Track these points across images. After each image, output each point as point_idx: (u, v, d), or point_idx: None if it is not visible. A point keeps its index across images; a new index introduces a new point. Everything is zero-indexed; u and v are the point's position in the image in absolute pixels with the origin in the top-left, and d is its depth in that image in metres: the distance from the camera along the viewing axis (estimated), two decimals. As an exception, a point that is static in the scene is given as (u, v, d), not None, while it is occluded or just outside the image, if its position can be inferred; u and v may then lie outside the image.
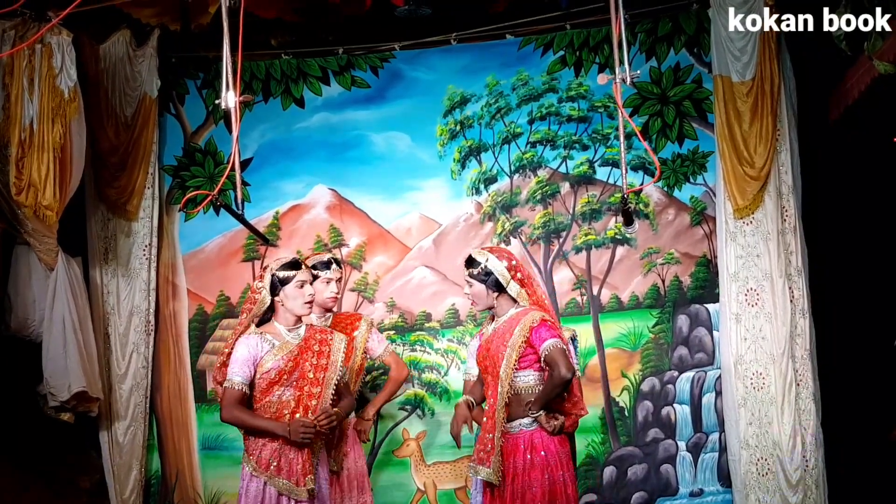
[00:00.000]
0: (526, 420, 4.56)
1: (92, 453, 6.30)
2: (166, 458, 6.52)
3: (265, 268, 4.75)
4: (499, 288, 4.63)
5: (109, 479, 6.26)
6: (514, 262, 4.70)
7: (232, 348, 4.63)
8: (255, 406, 4.61)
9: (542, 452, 4.51)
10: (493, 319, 4.77)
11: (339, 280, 5.33)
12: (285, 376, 4.60)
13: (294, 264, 4.70)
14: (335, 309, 5.50)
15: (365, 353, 5.42)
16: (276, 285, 4.64)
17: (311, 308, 4.75)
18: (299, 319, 4.72)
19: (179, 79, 6.74)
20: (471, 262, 4.69)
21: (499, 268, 4.63)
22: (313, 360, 4.68)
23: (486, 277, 4.63)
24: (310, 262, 5.29)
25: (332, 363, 4.71)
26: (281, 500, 4.57)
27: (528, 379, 4.57)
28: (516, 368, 4.54)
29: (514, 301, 4.66)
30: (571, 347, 4.90)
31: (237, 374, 4.54)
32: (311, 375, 4.65)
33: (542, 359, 4.48)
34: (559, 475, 4.51)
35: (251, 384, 4.59)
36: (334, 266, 5.30)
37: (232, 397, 4.54)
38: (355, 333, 5.40)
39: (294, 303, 4.65)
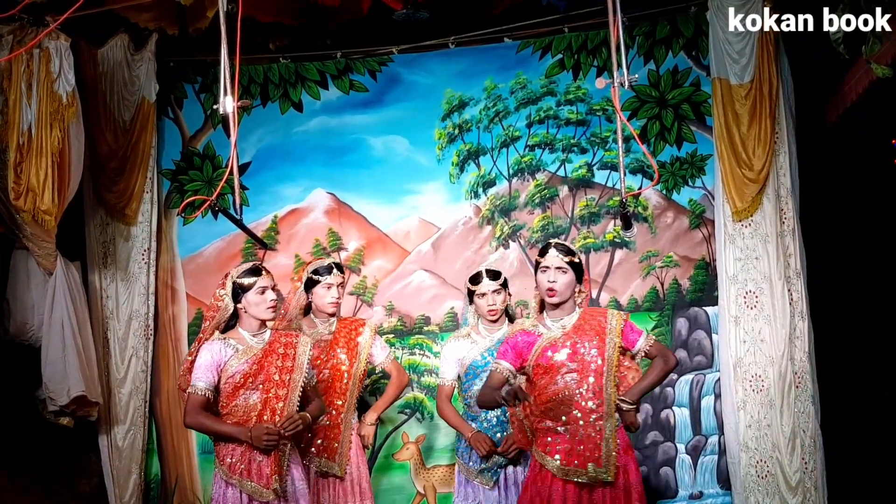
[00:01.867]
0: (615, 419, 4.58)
1: (91, 457, 6.30)
2: (166, 462, 6.51)
3: (226, 275, 4.78)
4: (580, 281, 4.68)
5: (109, 484, 6.25)
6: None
7: (195, 356, 4.68)
8: (223, 411, 4.65)
9: (631, 454, 4.60)
10: (541, 320, 4.67)
11: (340, 285, 5.34)
12: (250, 380, 4.64)
13: (254, 271, 4.74)
14: (338, 314, 5.49)
15: (368, 359, 5.42)
16: (238, 292, 4.69)
17: (274, 312, 4.76)
18: (263, 324, 4.77)
19: (177, 83, 6.74)
20: (569, 250, 4.66)
21: (581, 264, 4.72)
22: (278, 362, 4.71)
23: (579, 271, 4.66)
24: (311, 267, 5.33)
25: (298, 366, 4.74)
26: None
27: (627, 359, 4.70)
28: (621, 357, 4.62)
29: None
30: None
31: (200, 380, 4.60)
32: (276, 378, 4.68)
33: (644, 353, 4.61)
34: (635, 481, 4.55)
35: (216, 389, 4.64)
36: (335, 271, 5.32)
37: (195, 403, 4.59)
38: (359, 339, 5.40)
39: (257, 309, 4.70)
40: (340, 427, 5.26)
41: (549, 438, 4.54)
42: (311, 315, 5.43)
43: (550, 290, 4.57)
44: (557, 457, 4.49)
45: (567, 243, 4.78)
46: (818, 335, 5.97)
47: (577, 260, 4.65)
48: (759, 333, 5.94)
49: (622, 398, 4.55)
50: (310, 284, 5.33)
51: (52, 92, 5.59)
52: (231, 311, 4.72)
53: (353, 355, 5.34)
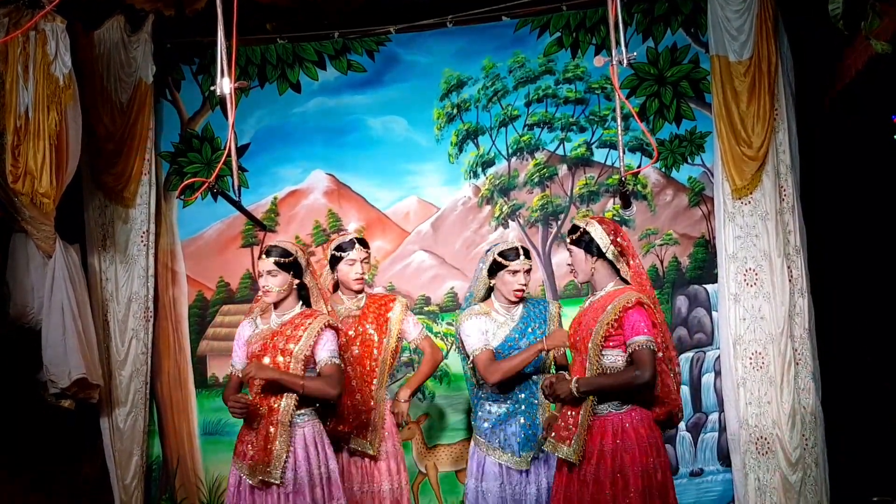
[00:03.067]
0: (615, 402, 4.38)
1: (93, 439, 6.31)
2: (167, 444, 6.53)
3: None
4: (599, 253, 4.50)
5: (111, 465, 6.27)
6: (613, 227, 4.57)
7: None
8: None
9: (635, 437, 4.34)
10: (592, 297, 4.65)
11: (364, 260, 5.21)
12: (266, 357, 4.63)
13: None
14: (366, 289, 5.37)
15: (399, 335, 5.26)
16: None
17: (266, 293, 4.67)
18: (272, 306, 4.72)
19: (175, 65, 6.71)
20: (572, 230, 4.62)
21: (598, 231, 4.49)
22: (280, 344, 4.63)
23: (586, 241, 4.51)
24: (334, 244, 5.23)
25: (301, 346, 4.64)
26: (249, 490, 4.57)
27: (617, 359, 4.39)
28: (603, 346, 4.36)
29: (615, 271, 4.51)
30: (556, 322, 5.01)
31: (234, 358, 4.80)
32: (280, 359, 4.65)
33: (629, 352, 4.32)
34: (651, 461, 4.34)
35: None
36: (358, 246, 5.19)
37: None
38: (389, 315, 5.25)
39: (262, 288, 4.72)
40: (372, 404, 5.10)
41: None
42: (339, 292, 5.28)
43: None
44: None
45: (574, 220, 4.74)
46: (818, 312, 5.97)
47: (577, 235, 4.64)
48: (759, 311, 5.95)
49: (576, 381, 4.41)
50: (334, 261, 5.20)
51: (49, 74, 5.56)
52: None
53: (382, 331, 5.19)
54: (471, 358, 4.92)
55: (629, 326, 4.33)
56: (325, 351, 4.60)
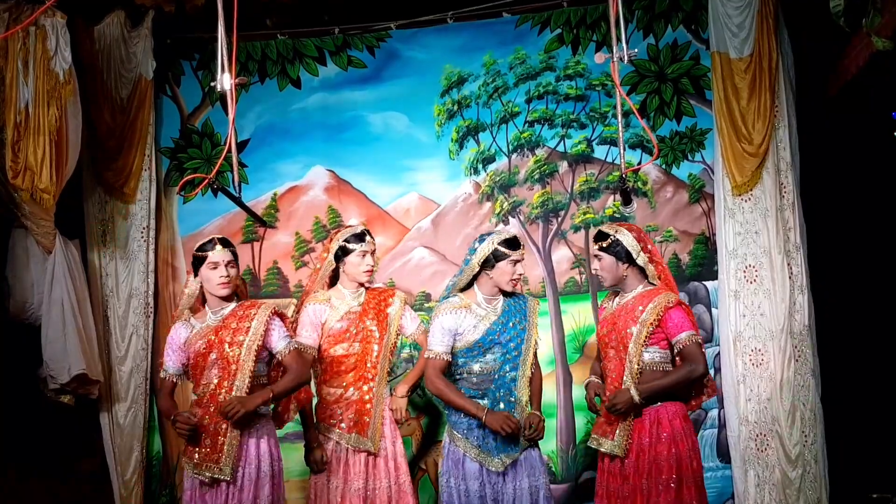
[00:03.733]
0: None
1: (93, 435, 6.31)
2: (167, 440, 6.52)
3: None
4: (629, 259, 4.71)
5: (110, 461, 6.27)
6: (641, 234, 4.80)
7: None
8: (194, 391, 4.73)
9: (669, 428, 4.57)
10: (615, 295, 4.89)
11: (373, 252, 5.19)
12: (200, 359, 4.67)
13: (208, 244, 4.75)
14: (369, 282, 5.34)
15: (398, 330, 5.26)
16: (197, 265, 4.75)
17: (227, 289, 4.71)
18: (223, 300, 4.74)
19: (175, 60, 6.71)
20: (600, 236, 4.78)
21: (628, 239, 4.72)
22: (228, 337, 4.66)
23: (617, 249, 4.71)
24: (341, 236, 5.17)
25: (253, 334, 4.65)
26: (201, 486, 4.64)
27: (655, 356, 4.65)
28: (645, 345, 4.60)
29: (643, 276, 4.75)
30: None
31: (168, 362, 4.83)
32: (228, 353, 4.65)
33: (677, 350, 4.59)
34: (685, 450, 4.56)
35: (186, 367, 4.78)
36: (368, 238, 5.17)
37: (164, 385, 4.90)
38: (389, 310, 5.24)
39: (208, 284, 4.71)
40: (372, 401, 5.07)
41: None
42: (339, 286, 5.24)
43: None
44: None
45: (602, 227, 4.90)
46: (818, 309, 5.97)
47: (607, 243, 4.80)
48: (759, 307, 5.95)
49: (635, 389, 4.63)
50: (343, 253, 5.15)
51: (49, 70, 5.56)
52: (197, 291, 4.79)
53: (383, 326, 5.15)
54: (424, 352, 5.00)
55: (673, 325, 4.60)
56: (281, 341, 4.69)
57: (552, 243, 6.42)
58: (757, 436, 5.93)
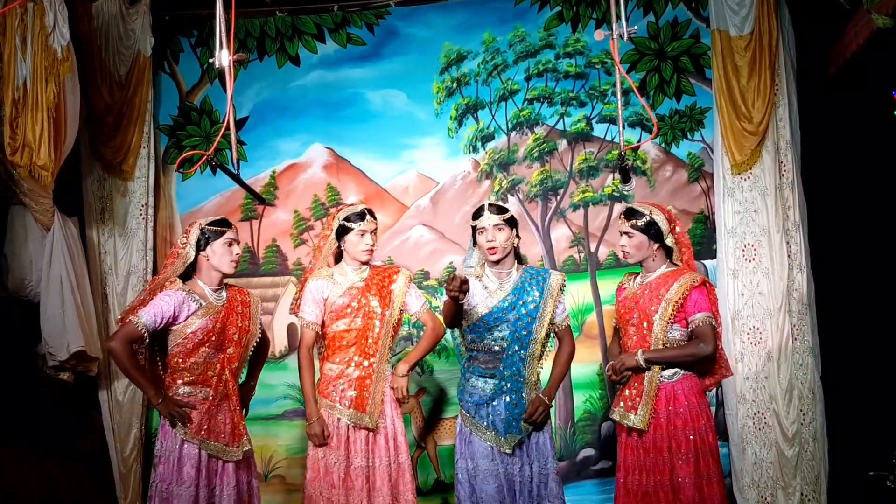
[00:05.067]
0: (667, 372, 4.66)
1: (92, 412, 6.32)
2: (166, 417, 6.54)
3: (192, 224, 4.79)
4: (659, 239, 4.73)
5: (109, 438, 6.28)
6: (671, 216, 4.82)
7: (150, 295, 4.72)
8: (181, 367, 4.68)
9: (686, 403, 4.63)
10: (634, 275, 4.91)
11: (373, 231, 5.13)
12: (213, 337, 4.67)
13: (222, 221, 4.77)
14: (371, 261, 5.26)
15: (402, 308, 5.17)
16: (201, 241, 4.71)
17: (236, 267, 4.78)
18: (222, 279, 4.78)
19: (173, 37, 6.69)
20: (633, 213, 4.76)
21: (661, 219, 4.74)
22: (238, 322, 4.77)
23: (650, 228, 4.72)
24: (342, 214, 5.11)
25: (253, 325, 4.86)
26: (211, 463, 4.69)
27: (675, 334, 4.67)
28: (669, 323, 4.64)
29: (667, 256, 4.78)
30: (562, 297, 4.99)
31: (147, 317, 4.56)
32: (235, 338, 4.74)
33: (691, 329, 4.64)
34: (701, 425, 4.62)
35: (162, 343, 4.71)
36: (368, 217, 5.10)
37: (129, 332, 4.54)
38: (393, 287, 5.14)
39: (220, 260, 4.71)
40: (372, 377, 5.01)
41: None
42: (343, 262, 5.16)
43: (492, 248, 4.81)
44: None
45: (634, 205, 4.84)
46: (817, 287, 5.98)
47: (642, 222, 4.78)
48: (758, 286, 5.96)
49: (642, 352, 4.67)
50: (342, 232, 5.08)
51: (47, 46, 5.53)
52: (191, 261, 4.73)
53: (385, 303, 5.08)
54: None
55: (692, 303, 4.63)
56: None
57: (551, 222, 6.42)
58: (755, 414, 5.95)
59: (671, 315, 4.61)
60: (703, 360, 4.65)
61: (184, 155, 6.16)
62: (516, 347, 4.78)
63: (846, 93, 6.06)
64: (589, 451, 6.25)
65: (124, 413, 6.31)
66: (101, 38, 6.25)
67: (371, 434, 5.01)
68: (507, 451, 4.74)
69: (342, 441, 4.98)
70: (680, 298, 4.61)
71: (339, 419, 4.99)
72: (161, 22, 6.54)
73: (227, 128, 4.23)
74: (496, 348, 4.80)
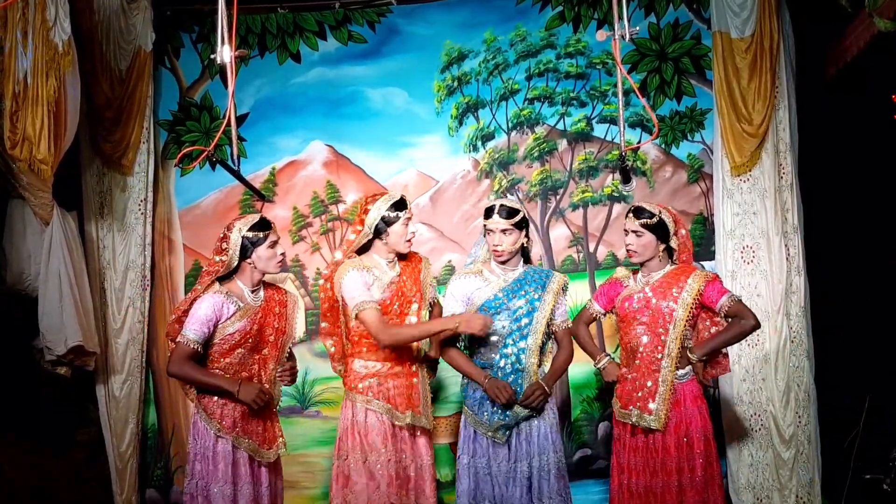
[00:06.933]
0: (679, 371, 4.71)
1: (89, 407, 6.32)
2: (163, 412, 6.54)
3: (230, 227, 4.61)
4: (665, 240, 4.77)
5: (106, 433, 6.28)
6: (677, 217, 4.86)
7: (190, 305, 4.59)
8: (214, 366, 4.60)
9: (693, 404, 4.68)
10: (634, 273, 4.93)
11: (410, 219, 4.85)
12: (250, 339, 4.62)
13: (265, 224, 4.65)
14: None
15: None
16: (247, 246, 4.57)
17: (281, 266, 4.69)
18: (261, 280, 4.70)
19: (174, 32, 6.68)
20: (643, 212, 4.77)
21: (669, 220, 4.77)
22: (275, 323, 4.72)
23: (659, 228, 4.74)
24: (382, 204, 4.77)
25: (289, 325, 4.79)
26: (246, 461, 4.64)
27: (687, 332, 4.73)
28: (687, 326, 4.69)
29: (669, 257, 4.81)
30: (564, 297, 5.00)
31: (193, 332, 4.49)
32: (271, 339, 4.70)
33: (723, 314, 4.68)
34: (708, 427, 4.70)
35: (206, 344, 4.57)
36: (409, 205, 4.84)
37: (184, 353, 4.49)
38: (421, 277, 4.95)
39: (266, 263, 4.61)
40: (418, 374, 4.87)
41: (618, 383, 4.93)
42: (374, 254, 4.85)
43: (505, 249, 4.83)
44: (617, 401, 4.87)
45: (642, 204, 4.84)
46: (814, 290, 5.98)
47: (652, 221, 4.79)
48: (756, 288, 5.97)
49: (691, 351, 4.71)
50: (387, 222, 4.75)
51: (48, 40, 5.51)
52: (236, 265, 4.60)
53: (420, 297, 4.88)
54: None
55: (714, 292, 4.69)
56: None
57: (550, 221, 6.42)
58: (751, 416, 5.96)
59: (691, 310, 4.66)
60: (749, 333, 4.72)
61: (184, 150, 6.15)
62: (516, 336, 4.80)
63: (846, 96, 6.07)
64: (586, 451, 6.25)
65: (121, 408, 6.30)
66: (102, 33, 6.24)
67: (421, 434, 4.88)
68: (502, 441, 4.74)
69: (390, 443, 4.79)
70: (697, 296, 4.67)
71: (380, 415, 4.79)
72: (162, 17, 6.53)
73: (228, 124, 4.22)
74: (494, 338, 4.82)
